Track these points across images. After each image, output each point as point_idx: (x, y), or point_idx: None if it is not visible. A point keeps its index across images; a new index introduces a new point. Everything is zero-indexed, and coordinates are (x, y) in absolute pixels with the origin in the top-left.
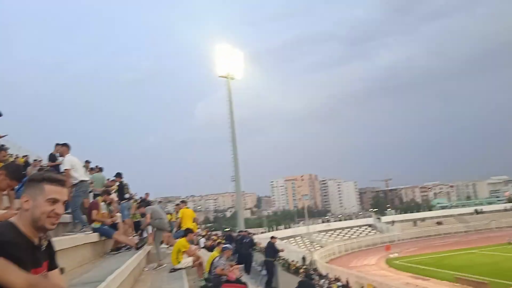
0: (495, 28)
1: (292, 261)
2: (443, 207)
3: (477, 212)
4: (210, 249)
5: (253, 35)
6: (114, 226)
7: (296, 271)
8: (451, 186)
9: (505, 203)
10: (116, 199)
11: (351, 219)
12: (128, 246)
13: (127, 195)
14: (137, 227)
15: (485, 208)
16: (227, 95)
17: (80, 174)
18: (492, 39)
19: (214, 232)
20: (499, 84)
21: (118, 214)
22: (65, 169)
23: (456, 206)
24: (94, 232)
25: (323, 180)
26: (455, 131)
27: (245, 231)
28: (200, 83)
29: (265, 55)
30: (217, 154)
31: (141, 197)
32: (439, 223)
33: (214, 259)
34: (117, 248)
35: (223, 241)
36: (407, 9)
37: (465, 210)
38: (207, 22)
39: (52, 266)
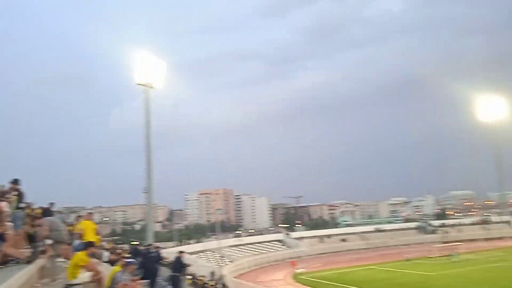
0: (405, 61)
1: (201, 276)
2: (347, 225)
3: (377, 230)
4: (114, 263)
5: (177, 45)
6: (2, 237)
7: (203, 286)
8: (356, 205)
9: (402, 222)
10: (7, 208)
11: (262, 234)
12: (18, 260)
13: (22, 204)
14: (33, 239)
15: (385, 226)
16: (144, 103)
17: None
18: (402, 71)
19: (120, 246)
20: (408, 112)
21: (9, 224)
22: None
23: (359, 224)
24: None
25: (237, 195)
26: (364, 154)
27: (151, 244)
28: (117, 89)
29: (189, 66)
30: (130, 164)
31: (42, 207)
32: (343, 240)
33: (115, 274)
34: (5, 261)
35: (128, 255)
36: (326, 37)
37: (367, 228)
38: (128, 27)
39: None
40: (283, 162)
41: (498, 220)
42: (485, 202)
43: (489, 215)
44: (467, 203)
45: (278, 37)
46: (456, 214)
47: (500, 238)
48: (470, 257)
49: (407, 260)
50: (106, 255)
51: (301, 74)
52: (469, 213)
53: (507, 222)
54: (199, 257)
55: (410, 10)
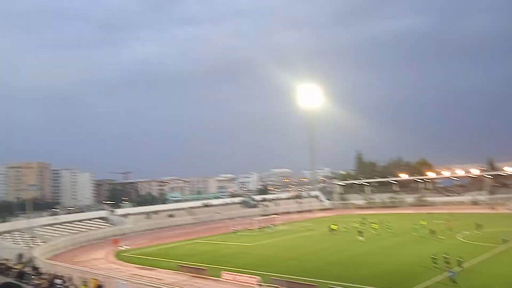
0: (237, 44)
1: (5, 259)
2: (176, 201)
3: (205, 205)
4: None
5: None
6: None
7: (7, 271)
8: (186, 181)
9: (229, 197)
10: None
11: (83, 211)
12: None
13: None
14: None
15: (212, 202)
16: None
17: None
18: (234, 53)
19: None
20: (237, 94)
21: None
22: None
23: (188, 200)
24: None
25: (55, 170)
26: (193, 131)
27: None
28: None
29: None
30: None
31: None
32: (171, 216)
33: None
34: None
35: None
36: (163, 9)
37: (195, 203)
38: None
39: None
40: (110, 136)
41: (309, 195)
42: (300, 179)
43: (302, 191)
44: (285, 180)
45: (110, 1)
46: (276, 190)
47: (310, 211)
48: (284, 228)
49: (234, 232)
50: None
51: (134, 44)
52: (287, 189)
53: (316, 196)
54: (4, 239)
55: None
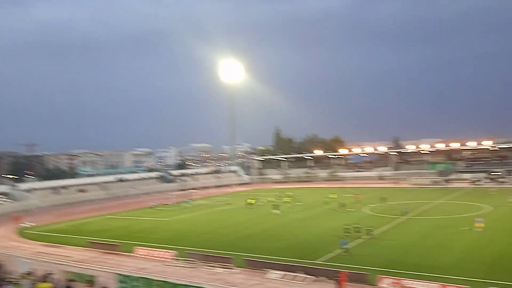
0: (156, 13)
1: None
2: (88, 175)
3: (119, 180)
4: None
5: None
6: None
7: None
8: (99, 155)
9: (145, 172)
10: None
11: None
12: None
13: None
14: None
15: (127, 176)
16: None
17: None
18: (151, 23)
19: None
20: (154, 65)
21: None
22: None
23: (101, 174)
24: None
25: None
26: (104, 103)
27: None
28: None
29: None
30: None
31: None
32: (82, 191)
33: None
34: None
35: None
36: None
37: (108, 178)
38: None
39: None
40: (12, 105)
41: (228, 170)
42: (219, 154)
43: (221, 166)
44: (204, 155)
45: None
46: (195, 165)
47: (228, 185)
48: (202, 203)
49: (151, 207)
50: None
51: (42, 5)
52: (206, 164)
53: (235, 171)
54: None
55: None
